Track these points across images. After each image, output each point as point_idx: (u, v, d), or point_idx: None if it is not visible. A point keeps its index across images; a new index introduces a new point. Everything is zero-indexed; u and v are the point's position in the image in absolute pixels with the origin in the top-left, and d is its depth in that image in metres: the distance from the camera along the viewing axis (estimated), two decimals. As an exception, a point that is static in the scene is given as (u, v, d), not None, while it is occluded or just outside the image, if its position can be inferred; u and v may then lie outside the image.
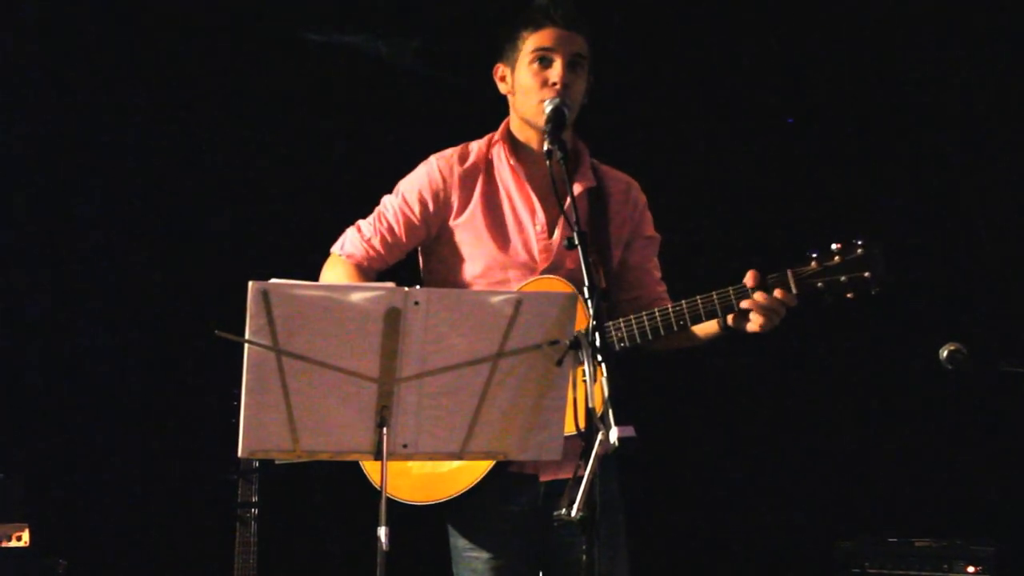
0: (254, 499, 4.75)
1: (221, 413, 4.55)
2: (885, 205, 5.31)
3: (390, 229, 3.50)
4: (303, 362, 2.73)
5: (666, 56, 5.52)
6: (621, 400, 2.70)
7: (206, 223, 5.38)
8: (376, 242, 3.51)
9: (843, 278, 3.17)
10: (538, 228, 3.45)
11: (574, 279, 3.28)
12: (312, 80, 5.46)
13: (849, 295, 3.18)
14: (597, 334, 2.76)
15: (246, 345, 2.70)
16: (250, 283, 2.68)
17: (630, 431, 2.66)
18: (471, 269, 3.46)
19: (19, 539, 4.62)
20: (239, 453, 2.79)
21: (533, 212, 3.46)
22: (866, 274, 3.16)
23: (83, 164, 5.28)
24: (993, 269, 5.29)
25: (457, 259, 3.49)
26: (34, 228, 5.24)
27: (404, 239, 3.50)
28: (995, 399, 5.12)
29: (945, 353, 3.90)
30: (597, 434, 2.68)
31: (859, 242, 3.17)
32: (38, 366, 5.22)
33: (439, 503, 3.37)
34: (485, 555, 3.40)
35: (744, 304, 3.20)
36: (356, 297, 2.72)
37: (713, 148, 5.54)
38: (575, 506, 2.71)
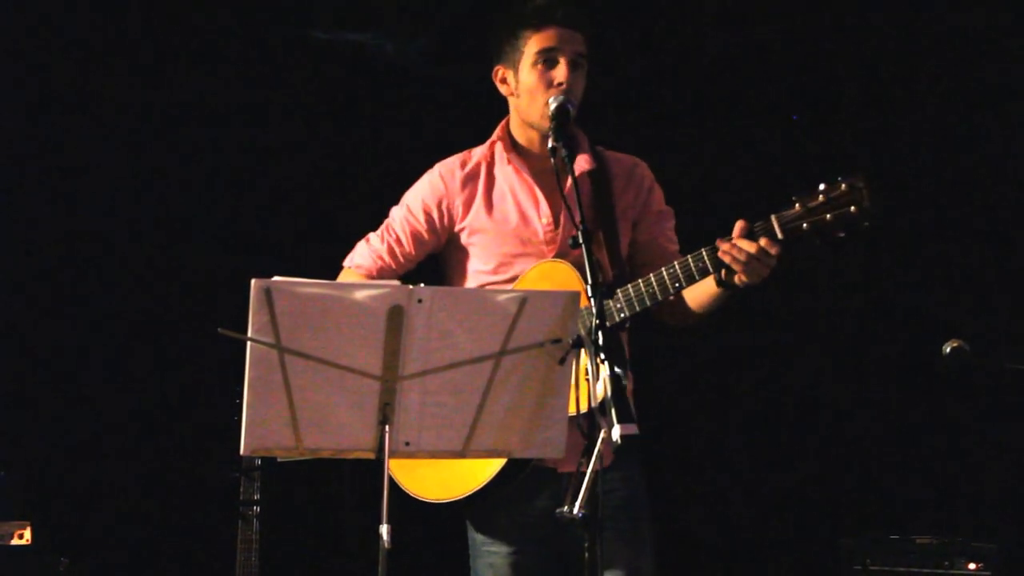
0: (256, 497, 4.75)
1: (223, 411, 4.56)
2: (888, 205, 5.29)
3: (397, 240, 3.56)
4: (305, 360, 2.73)
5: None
6: (623, 398, 2.71)
7: (208, 221, 5.38)
8: (384, 253, 3.57)
9: (828, 216, 3.01)
10: (544, 220, 3.47)
11: (580, 265, 3.25)
12: (317, 78, 5.46)
13: (840, 234, 3.02)
14: (600, 332, 2.76)
15: (248, 343, 2.70)
16: (253, 281, 2.69)
17: (633, 429, 2.67)
18: (484, 267, 3.50)
19: (21, 537, 4.62)
20: (241, 451, 2.79)
21: (537, 204, 3.48)
22: (852, 209, 2.99)
23: (84, 163, 5.28)
24: (996, 265, 5.28)
25: (470, 260, 3.53)
26: (35, 227, 5.23)
27: (412, 249, 3.56)
28: (997, 396, 5.11)
29: (948, 349, 3.90)
30: (600, 431, 2.69)
31: (842, 178, 3.02)
32: (39, 364, 5.21)
33: (459, 500, 3.38)
34: (504, 550, 3.42)
35: (723, 253, 3.10)
36: (359, 295, 2.72)
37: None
38: (577, 504, 2.72)
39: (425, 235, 3.55)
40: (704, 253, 3.16)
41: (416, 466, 3.40)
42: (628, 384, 3.44)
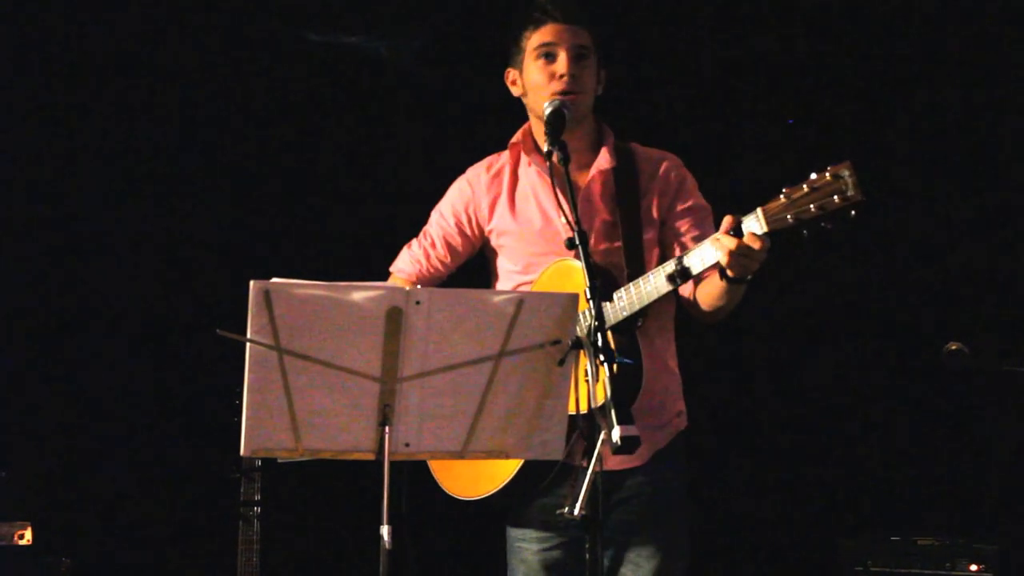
0: (257, 497, 4.75)
1: (223, 412, 4.56)
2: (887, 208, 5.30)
3: (432, 244, 3.66)
4: (305, 361, 2.73)
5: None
6: (623, 399, 2.71)
7: (208, 222, 5.38)
8: (422, 257, 3.66)
9: (812, 207, 2.93)
10: (563, 220, 3.47)
11: (599, 265, 3.29)
12: (312, 80, 5.46)
13: (826, 225, 2.94)
14: (599, 334, 2.76)
15: (248, 344, 2.70)
16: (252, 282, 2.69)
17: (633, 430, 2.67)
18: (514, 268, 3.55)
19: (22, 538, 4.63)
20: (241, 452, 2.80)
21: (558, 205, 3.48)
22: (835, 198, 2.90)
23: (84, 163, 5.28)
24: (996, 267, 5.28)
25: (502, 260, 3.58)
26: (35, 228, 5.23)
27: (447, 254, 3.65)
28: (997, 398, 5.11)
29: (948, 352, 3.90)
30: (600, 433, 2.69)
31: (829, 167, 2.93)
32: (40, 364, 5.21)
33: (486, 497, 3.42)
34: (535, 546, 3.46)
35: (710, 247, 3.10)
36: (357, 296, 2.72)
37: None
38: (577, 505, 2.72)
39: (457, 239, 3.63)
40: (694, 250, 3.17)
41: (452, 465, 3.45)
42: (677, 383, 3.51)
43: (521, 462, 3.33)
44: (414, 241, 3.69)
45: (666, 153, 3.59)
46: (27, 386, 5.18)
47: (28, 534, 4.64)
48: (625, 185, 3.49)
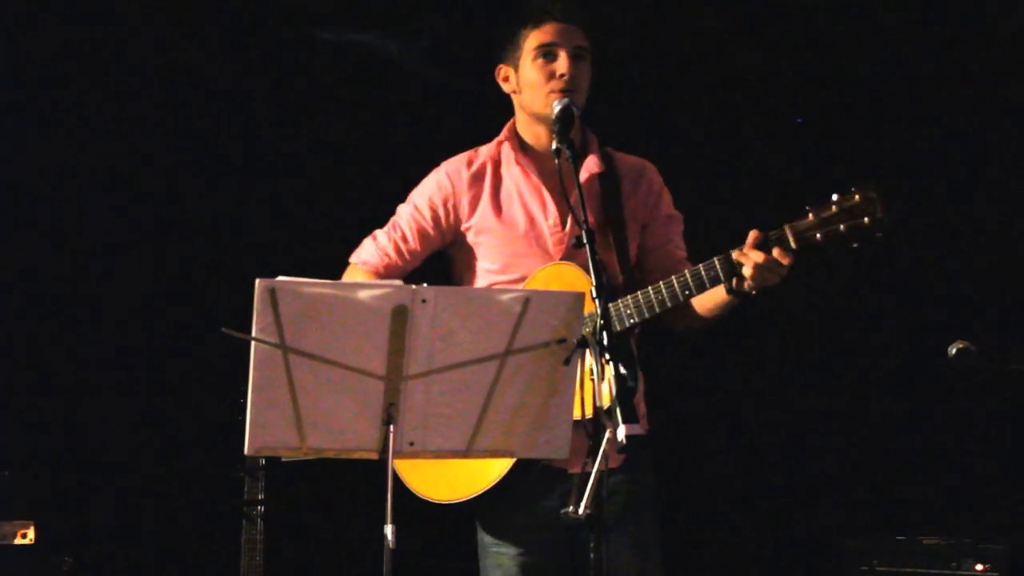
0: (260, 496, 4.74)
1: (227, 410, 4.55)
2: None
3: (404, 237, 3.59)
4: (310, 360, 2.73)
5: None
6: (628, 398, 2.71)
7: (213, 220, 5.38)
8: (391, 250, 3.60)
9: (841, 227, 3.06)
10: (551, 221, 3.48)
11: (587, 267, 3.25)
12: (321, 78, 5.46)
13: (853, 244, 3.07)
14: (604, 332, 2.76)
15: (253, 342, 2.69)
16: (257, 281, 2.69)
17: (638, 429, 2.67)
18: (491, 267, 3.52)
19: (24, 536, 4.62)
20: (245, 451, 2.80)
21: (544, 206, 3.49)
22: (865, 220, 3.04)
23: (86, 162, 5.27)
24: (1002, 265, 5.27)
25: (477, 259, 3.55)
26: (37, 226, 5.23)
27: (418, 247, 3.59)
28: (1004, 396, 5.10)
29: (954, 351, 3.89)
30: (605, 432, 2.69)
31: (855, 189, 3.06)
32: (42, 363, 5.21)
33: (467, 500, 3.39)
34: (513, 551, 3.42)
35: (736, 259, 3.13)
36: (363, 295, 2.72)
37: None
38: (582, 504, 2.71)
39: (431, 233, 3.57)
40: (716, 262, 3.18)
41: (423, 466, 3.41)
42: (641, 385, 3.49)
43: (508, 466, 3.31)
44: (379, 233, 3.63)
45: (644, 160, 3.62)
46: (28, 385, 5.18)
47: (31, 533, 4.63)
48: (609, 190, 3.50)
